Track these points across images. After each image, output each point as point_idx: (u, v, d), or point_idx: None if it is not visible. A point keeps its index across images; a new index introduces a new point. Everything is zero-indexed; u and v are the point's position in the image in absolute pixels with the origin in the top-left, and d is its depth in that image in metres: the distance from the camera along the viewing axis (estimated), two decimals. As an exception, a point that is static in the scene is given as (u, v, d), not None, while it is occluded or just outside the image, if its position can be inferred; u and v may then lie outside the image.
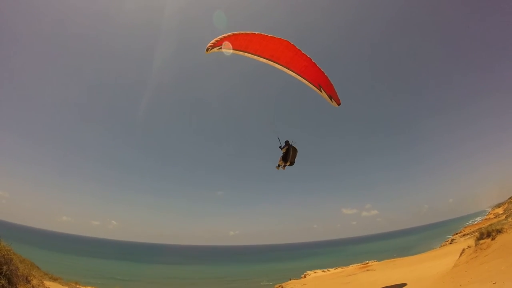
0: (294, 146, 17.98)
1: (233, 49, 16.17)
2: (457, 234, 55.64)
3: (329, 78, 17.85)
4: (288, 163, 18.09)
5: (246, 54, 16.75)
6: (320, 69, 17.54)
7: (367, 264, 37.83)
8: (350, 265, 41.98)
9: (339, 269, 40.84)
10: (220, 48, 15.67)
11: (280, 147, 18.00)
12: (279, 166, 18.39)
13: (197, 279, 79.15)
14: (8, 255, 14.03)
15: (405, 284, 18.93)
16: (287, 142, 17.98)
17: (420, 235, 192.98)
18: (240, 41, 16.11)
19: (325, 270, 43.49)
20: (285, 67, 17.42)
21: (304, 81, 17.89)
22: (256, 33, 16.19)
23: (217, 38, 15.33)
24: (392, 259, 37.03)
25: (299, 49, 16.98)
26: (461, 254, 17.55)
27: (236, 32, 15.80)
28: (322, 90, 18.06)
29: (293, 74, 17.68)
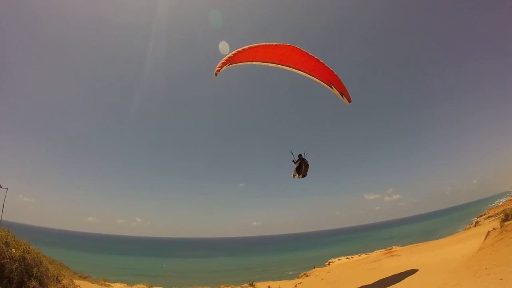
0: (306, 161, 18.89)
1: (241, 62, 16.83)
2: (481, 216, 54.62)
3: (339, 77, 18.41)
4: (301, 176, 19.18)
5: (254, 63, 17.31)
6: (329, 68, 18.20)
7: (391, 250, 37.54)
8: (374, 251, 41.74)
9: (363, 256, 40.61)
10: (229, 65, 16.11)
11: (293, 161, 19.04)
12: (294, 176, 19.50)
13: (222, 271, 79.77)
14: (38, 257, 14.50)
15: (416, 271, 18.88)
16: (300, 156, 18.94)
17: (444, 218, 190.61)
18: (246, 55, 16.67)
19: (349, 257, 43.30)
20: (294, 68, 17.93)
21: (315, 79, 18.47)
22: (261, 44, 16.74)
23: (222, 60, 15.74)
24: (416, 244, 36.63)
25: (306, 52, 17.59)
26: (486, 237, 17.33)
27: (240, 49, 16.28)
28: (333, 87, 18.64)
29: (304, 74, 18.31)
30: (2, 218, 16.70)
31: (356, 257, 41.84)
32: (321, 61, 18.01)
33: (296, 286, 24.45)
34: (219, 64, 15.72)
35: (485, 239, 17.22)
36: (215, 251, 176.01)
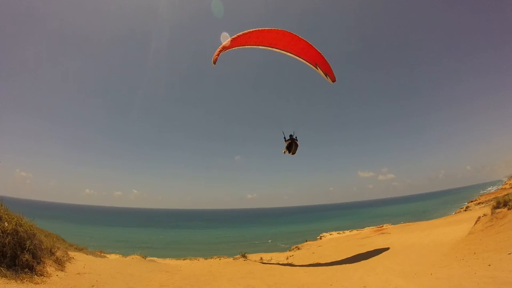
0: (296, 141, 20.90)
1: (236, 47, 18.60)
2: (472, 202, 55.40)
3: (324, 57, 19.93)
4: (291, 153, 21.30)
5: (246, 46, 19.14)
6: (316, 50, 19.68)
7: (382, 228, 38.12)
8: (366, 228, 42.38)
9: (355, 232, 41.26)
10: (224, 51, 17.95)
11: (284, 138, 20.98)
12: (284, 152, 21.50)
13: (217, 243, 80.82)
14: (31, 230, 14.48)
15: (405, 250, 19.40)
16: (290, 136, 20.87)
17: (436, 200, 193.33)
18: (239, 40, 18.38)
19: (341, 232, 43.98)
20: (283, 51, 19.61)
21: (302, 61, 20.05)
22: (253, 30, 18.37)
23: (219, 48, 17.63)
24: (407, 223, 37.21)
25: (295, 35, 19.23)
26: (476, 222, 17.53)
27: (233, 36, 18.03)
28: (318, 68, 20.24)
29: (292, 56, 19.95)
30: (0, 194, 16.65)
31: (347, 232, 42.50)
32: (309, 43, 19.54)
33: (287, 258, 24.80)
34: (216, 52, 17.47)
35: (475, 224, 17.43)
36: (210, 223, 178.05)
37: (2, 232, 13.07)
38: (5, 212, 14.23)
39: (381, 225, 41.33)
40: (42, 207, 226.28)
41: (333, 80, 20.99)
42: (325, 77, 20.76)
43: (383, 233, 30.38)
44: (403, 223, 40.27)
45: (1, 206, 14.57)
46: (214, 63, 17.78)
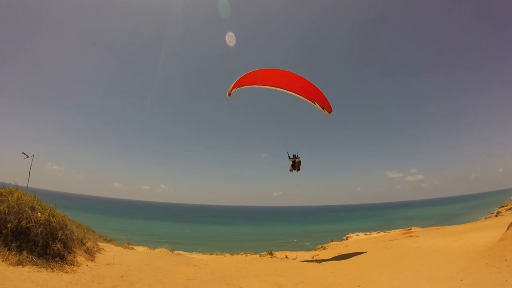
0: (299, 159, 22.78)
1: (245, 86, 21.31)
2: (503, 207, 53.20)
3: (321, 92, 22.15)
4: (296, 170, 22.99)
5: (254, 86, 21.72)
6: (313, 86, 22.07)
7: (410, 230, 37.38)
8: (393, 230, 41.63)
9: (382, 233, 40.58)
10: (237, 88, 20.76)
11: (288, 157, 22.79)
12: (291, 170, 23.17)
13: (242, 239, 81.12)
14: (63, 221, 14.96)
15: (434, 254, 18.91)
16: (293, 155, 22.68)
17: (465, 204, 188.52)
18: (249, 79, 21.07)
19: (367, 233, 43.37)
20: (285, 89, 21.90)
21: (302, 98, 22.26)
22: (261, 69, 21.18)
23: (233, 84, 20.26)
24: (436, 227, 36.18)
25: (295, 74, 21.67)
26: (508, 228, 16.94)
27: (244, 74, 20.60)
28: (315, 103, 22.28)
29: (292, 94, 22.14)
30: (31, 186, 17.17)
31: (374, 234, 41.85)
32: (307, 80, 21.90)
33: (313, 257, 24.67)
34: (230, 87, 20.28)
35: (506, 230, 16.85)
36: (236, 219, 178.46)
37: (35, 222, 13.47)
38: (39, 203, 14.67)
39: (409, 228, 40.48)
40: (73, 199, 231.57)
41: (329, 112, 22.92)
42: (322, 110, 22.75)
43: (411, 236, 29.72)
44: (432, 226, 39.25)
45: (35, 197, 15.04)
46: (229, 95, 20.59)
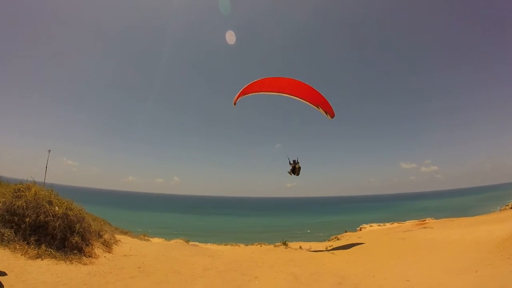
0: (299, 165, 23.73)
1: (250, 94, 22.20)
2: (519, 199, 52.51)
3: (324, 97, 23.03)
4: (296, 175, 23.96)
5: (260, 93, 22.48)
6: (317, 92, 22.85)
7: (424, 221, 36.98)
8: (407, 221, 41.25)
9: (396, 224, 40.25)
10: (243, 95, 21.94)
11: (289, 163, 23.82)
12: (290, 174, 24.12)
13: (256, 230, 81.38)
14: (80, 214, 15.33)
15: (448, 245, 18.85)
16: (294, 161, 23.70)
17: (481, 196, 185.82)
18: (254, 87, 22.00)
19: (381, 224, 43.08)
20: (290, 95, 22.59)
21: (306, 103, 22.80)
22: (266, 78, 22.18)
23: (238, 93, 21.68)
24: (450, 219, 35.67)
25: (300, 81, 22.57)
26: (524, 220, 16.81)
27: (249, 83, 21.70)
28: (319, 108, 22.92)
29: (297, 99, 22.65)
30: (48, 181, 17.47)
31: (388, 225, 41.55)
32: (311, 87, 22.78)
33: (327, 248, 24.67)
34: (235, 97, 21.83)
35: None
36: (249, 211, 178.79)
37: (53, 216, 13.74)
38: (56, 197, 14.97)
39: (423, 219, 39.97)
40: (88, 193, 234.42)
41: (332, 117, 23.73)
42: (325, 115, 23.41)
43: (425, 227, 29.44)
44: (446, 217, 38.70)
45: (52, 191, 15.36)
46: (235, 104, 22.23)
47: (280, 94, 22.61)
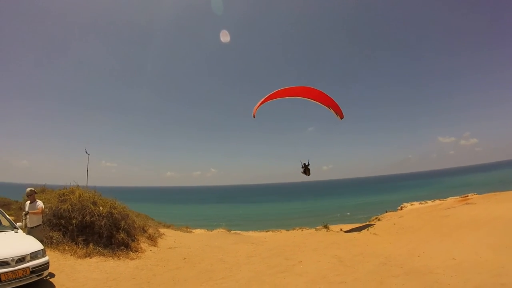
0: (309, 168, 25.07)
1: (270, 100, 23.13)
2: None
3: (334, 100, 24.23)
4: (307, 175, 25.42)
5: (277, 99, 23.58)
6: (328, 96, 24.04)
7: (467, 197, 35.78)
8: (449, 198, 40.03)
9: (437, 202, 39.17)
10: (260, 106, 22.96)
11: (302, 166, 25.08)
12: (302, 173, 25.51)
13: (295, 215, 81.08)
14: (124, 212, 16.03)
15: (493, 221, 18.11)
16: (304, 164, 24.96)
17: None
18: (271, 97, 22.97)
19: (422, 202, 42.07)
20: (303, 97, 23.84)
21: (318, 103, 24.11)
22: (282, 88, 23.08)
23: (257, 105, 22.70)
24: (494, 193, 34.23)
25: (313, 88, 23.92)
26: None
27: (266, 96, 22.78)
28: (330, 108, 24.17)
29: (311, 100, 23.99)
30: (92, 184, 18.32)
31: (429, 203, 40.47)
32: (323, 92, 23.95)
33: (368, 229, 24.35)
34: (254, 108, 22.75)
35: None
36: (286, 196, 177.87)
37: (98, 215, 14.37)
38: (99, 198, 15.73)
39: (466, 195, 38.61)
40: (129, 191, 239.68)
41: (341, 118, 24.86)
42: (335, 115, 24.57)
43: (468, 204, 28.47)
44: (489, 192, 37.30)
45: (95, 193, 16.14)
46: (254, 116, 23.11)
47: (294, 97, 24.10)
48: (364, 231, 23.51)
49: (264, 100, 22.91)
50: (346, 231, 23.40)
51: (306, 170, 25.29)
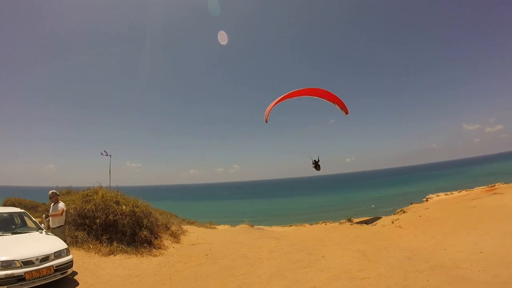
0: (319, 164, 25.65)
1: (279, 101, 23.82)
2: None
3: (340, 98, 25.19)
4: (317, 170, 25.90)
5: (286, 99, 24.19)
6: (333, 95, 25.06)
7: (494, 187, 34.81)
8: (476, 188, 39.08)
9: (464, 192, 38.30)
10: (271, 109, 23.82)
11: (312, 162, 25.58)
12: (313, 167, 25.97)
13: (318, 209, 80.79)
14: (146, 210, 16.34)
15: (501, 210, 17.71)
16: (315, 161, 25.56)
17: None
18: (280, 100, 23.68)
19: (448, 193, 41.17)
20: (309, 95, 24.64)
21: (325, 100, 25.11)
22: (291, 92, 23.70)
23: (268, 109, 23.66)
24: (522, 182, 33.27)
25: (319, 88, 24.79)
26: None
27: (277, 99, 23.67)
28: (336, 105, 25.18)
29: (317, 98, 24.94)
30: (115, 184, 18.73)
31: (455, 193, 39.63)
32: (329, 91, 24.91)
33: (393, 222, 23.96)
34: (266, 113, 23.77)
35: None
36: (309, 190, 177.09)
37: (121, 214, 14.63)
38: (122, 197, 16.05)
39: (493, 184, 37.52)
40: (154, 190, 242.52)
41: (346, 113, 25.84)
42: (341, 111, 25.52)
43: (496, 193, 27.59)
44: (518, 181, 36.10)
45: (118, 192, 16.48)
46: (266, 121, 24.10)
47: (301, 96, 24.86)
48: (388, 224, 23.16)
49: (273, 104, 23.72)
50: (379, 226, 23.01)
51: (316, 165, 26.07)
